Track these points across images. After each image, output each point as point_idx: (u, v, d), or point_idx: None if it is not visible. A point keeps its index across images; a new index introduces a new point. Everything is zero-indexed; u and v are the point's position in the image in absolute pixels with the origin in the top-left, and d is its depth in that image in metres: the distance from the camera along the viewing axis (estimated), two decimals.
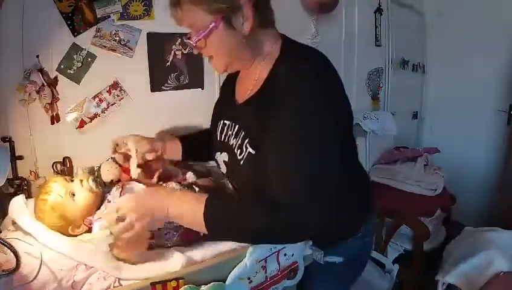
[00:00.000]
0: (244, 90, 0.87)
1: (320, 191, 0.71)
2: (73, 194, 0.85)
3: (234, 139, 0.85)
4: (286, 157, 0.71)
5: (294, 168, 0.71)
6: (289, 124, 0.72)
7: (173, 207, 0.74)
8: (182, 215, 0.75)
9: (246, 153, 0.79)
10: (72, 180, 0.88)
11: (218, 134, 0.95)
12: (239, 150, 0.82)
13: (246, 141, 0.80)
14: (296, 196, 0.69)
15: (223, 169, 0.92)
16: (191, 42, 0.78)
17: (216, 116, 1.02)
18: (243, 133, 0.82)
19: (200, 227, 0.73)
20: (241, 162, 0.81)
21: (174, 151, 1.08)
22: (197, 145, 1.11)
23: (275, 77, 0.79)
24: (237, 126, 0.86)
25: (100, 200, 0.88)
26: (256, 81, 0.83)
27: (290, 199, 0.69)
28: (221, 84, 1.12)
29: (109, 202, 0.86)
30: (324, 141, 0.72)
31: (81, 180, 0.86)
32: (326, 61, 0.80)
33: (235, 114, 0.88)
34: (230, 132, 0.88)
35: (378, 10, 2.18)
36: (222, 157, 0.90)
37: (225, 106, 0.98)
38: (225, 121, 0.92)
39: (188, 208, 0.75)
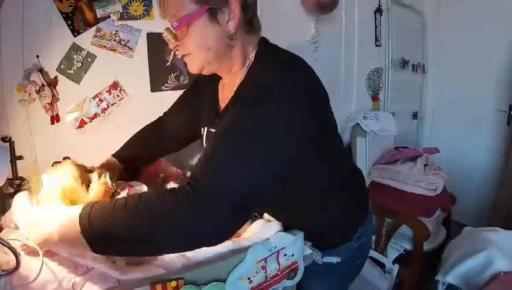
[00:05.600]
0: (227, 98, 0.84)
1: (228, 202, 0.63)
2: (88, 185, 0.84)
3: None
4: (215, 151, 0.68)
5: (219, 161, 0.66)
6: (231, 124, 0.68)
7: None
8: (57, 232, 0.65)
9: None
10: (90, 171, 0.87)
11: (205, 142, 0.94)
12: None
13: None
14: (210, 184, 0.63)
15: None
16: (170, 28, 0.71)
17: (195, 117, 1.00)
18: None
19: (76, 232, 0.62)
20: None
21: (115, 172, 1.03)
22: (137, 151, 1.09)
23: (242, 85, 0.78)
24: None
25: (110, 198, 0.87)
26: (235, 89, 0.81)
27: (199, 183, 0.63)
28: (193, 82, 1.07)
29: None
30: (259, 152, 0.66)
31: (100, 174, 0.85)
32: (297, 72, 0.74)
33: (219, 122, 0.85)
34: None
35: (378, 10, 2.18)
36: None
37: (209, 112, 0.93)
38: (211, 129, 0.91)
39: (64, 211, 0.67)
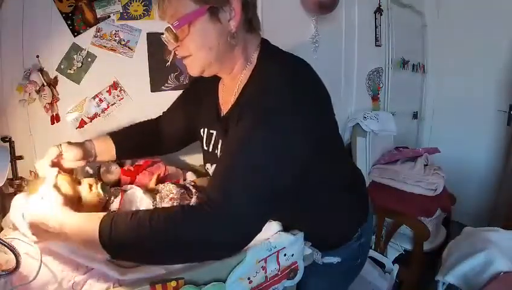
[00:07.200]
0: (228, 100, 0.83)
1: (255, 208, 0.67)
2: (80, 198, 0.83)
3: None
4: (228, 166, 0.69)
5: (233, 176, 0.67)
6: (241, 135, 0.69)
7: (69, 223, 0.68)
8: (78, 228, 0.67)
9: None
10: (79, 183, 0.86)
11: (205, 143, 0.93)
12: None
13: None
14: (228, 201, 0.65)
15: None
16: (171, 27, 0.70)
17: (194, 117, 0.99)
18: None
19: (95, 242, 0.64)
20: None
21: (105, 151, 0.99)
22: (133, 139, 1.06)
23: (248, 88, 0.77)
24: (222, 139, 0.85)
25: (103, 207, 0.86)
26: (237, 91, 0.80)
27: (220, 202, 0.65)
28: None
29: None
30: (271, 161, 0.67)
31: (91, 185, 0.84)
32: (301, 74, 0.74)
33: (221, 125, 0.85)
34: (219, 144, 0.87)
35: (378, 10, 2.18)
36: (213, 169, 0.86)
37: (209, 112, 0.92)
38: (211, 131, 0.90)
39: (84, 219, 0.68)
